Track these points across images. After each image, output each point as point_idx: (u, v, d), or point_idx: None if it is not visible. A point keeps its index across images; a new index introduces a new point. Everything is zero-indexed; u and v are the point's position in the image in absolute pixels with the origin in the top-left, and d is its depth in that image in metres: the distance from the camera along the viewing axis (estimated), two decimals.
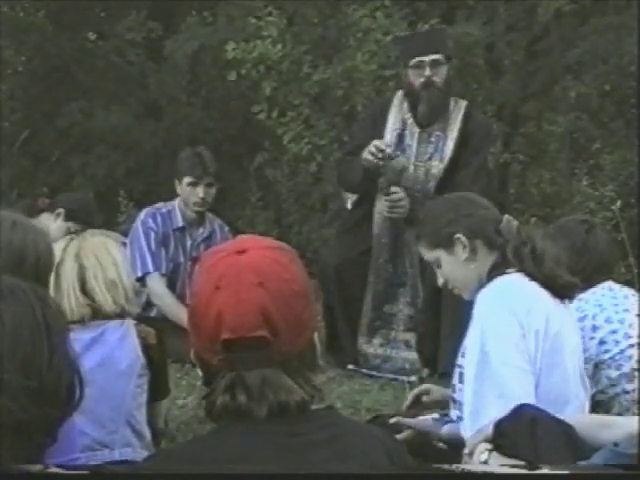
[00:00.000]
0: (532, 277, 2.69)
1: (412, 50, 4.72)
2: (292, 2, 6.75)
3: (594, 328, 3.14)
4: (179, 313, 4.42)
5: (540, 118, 7.31)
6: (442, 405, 3.08)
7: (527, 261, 2.70)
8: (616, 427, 2.30)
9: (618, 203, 5.17)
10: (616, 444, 2.28)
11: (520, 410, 2.25)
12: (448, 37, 5.18)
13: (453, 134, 4.68)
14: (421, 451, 2.70)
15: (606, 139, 6.92)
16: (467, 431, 2.58)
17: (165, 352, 3.09)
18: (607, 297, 3.23)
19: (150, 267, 4.76)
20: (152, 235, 4.81)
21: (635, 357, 3.09)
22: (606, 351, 3.12)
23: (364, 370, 4.70)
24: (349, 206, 4.86)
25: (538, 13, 6.47)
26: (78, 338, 2.83)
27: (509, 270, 2.73)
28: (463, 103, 4.78)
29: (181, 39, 7.06)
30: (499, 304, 2.65)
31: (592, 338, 3.12)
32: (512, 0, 6.74)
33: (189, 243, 4.90)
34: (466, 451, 2.26)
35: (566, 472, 1.77)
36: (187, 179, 4.78)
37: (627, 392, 3.09)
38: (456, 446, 2.65)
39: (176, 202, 4.90)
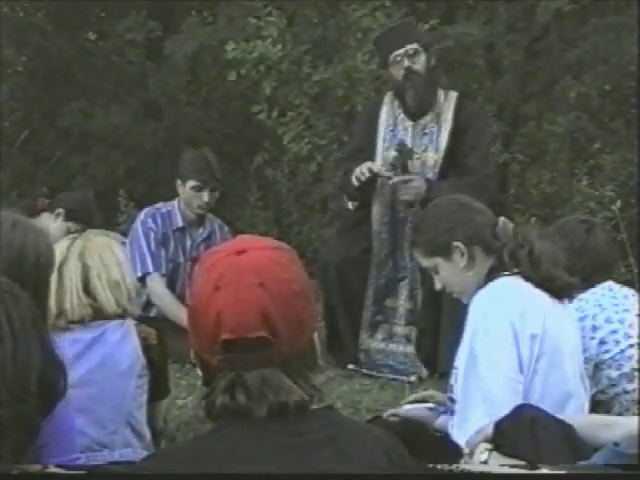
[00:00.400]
0: (529, 279, 2.70)
1: (387, 47, 4.77)
2: (292, 2, 6.74)
3: (594, 328, 3.14)
4: (179, 313, 4.42)
5: (540, 118, 7.30)
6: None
7: (524, 263, 2.71)
8: (616, 427, 2.31)
9: (618, 203, 5.17)
10: (616, 444, 2.29)
11: (520, 410, 2.25)
12: (417, 28, 5.22)
13: (447, 124, 4.70)
14: (417, 443, 2.70)
15: (606, 139, 6.92)
16: (455, 429, 2.60)
17: (165, 352, 3.10)
18: (607, 297, 3.23)
19: (150, 267, 4.75)
20: (152, 235, 4.80)
21: (635, 357, 3.09)
22: (606, 351, 3.12)
23: (364, 370, 4.70)
24: (350, 206, 4.87)
25: (538, 13, 6.46)
26: (79, 338, 2.85)
27: (506, 272, 2.73)
28: (454, 94, 4.80)
29: (181, 39, 7.05)
30: (492, 308, 2.65)
31: (592, 338, 3.12)
32: (512, 0, 6.73)
33: (189, 243, 4.90)
34: (466, 451, 2.26)
35: (566, 472, 1.78)
36: (192, 182, 4.76)
37: (627, 392, 3.09)
38: (450, 436, 2.68)
39: (176, 202, 4.89)
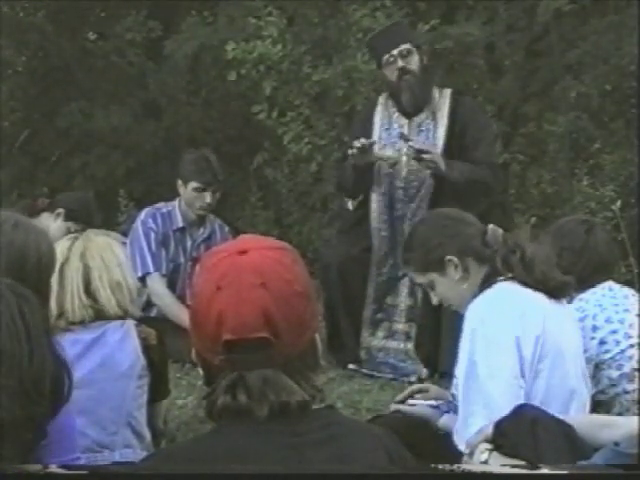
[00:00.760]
0: (524, 282, 2.71)
1: (380, 49, 4.79)
2: (292, 2, 6.74)
3: (594, 328, 3.14)
4: (180, 313, 4.42)
5: (540, 118, 7.29)
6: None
7: (517, 268, 2.72)
8: (616, 427, 2.31)
9: (618, 203, 5.17)
10: (616, 444, 2.29)
11: (520, 410, 2.25)
12: (408, 27, 5.28)
13: (443, 120, 4.71)
14: (419, 441, 2.70)
15: (606, 139, 6.91)
16: (458, 435, 2.60)
17: (166, 353, 3.09)
18: (607, 297, 3.23)
19: (150, 267, 4.76)
20: (152, 235, 4.81)
21: (635, 357, 3.09)
22: (606, 351, 3.12)
23: (364, 370, 4.71)
24: (350, 207, 4.88)
25: (538, 13, 6.46)
26: (79, 339, 2.85)
27: (501, 278, 2.74)
28: (448, 91, 4.82)
29: (181, 39, 7.05)
30: (489, 314, 2.66)
31: (592, 338, 3.12)
32: (512, 0, 6.73)
33: (189, 243, 4.90)
34: (466, 451, 2.26)
35: (566, 472, 1.78)
36: (194, 184, 4.76)
37: (627, 392, 3.09)
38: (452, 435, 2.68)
39: (176, 202, 4.90)
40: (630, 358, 3.10)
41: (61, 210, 4.79)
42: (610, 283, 3.29)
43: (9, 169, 7.48)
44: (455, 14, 6.85)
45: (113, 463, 2.77)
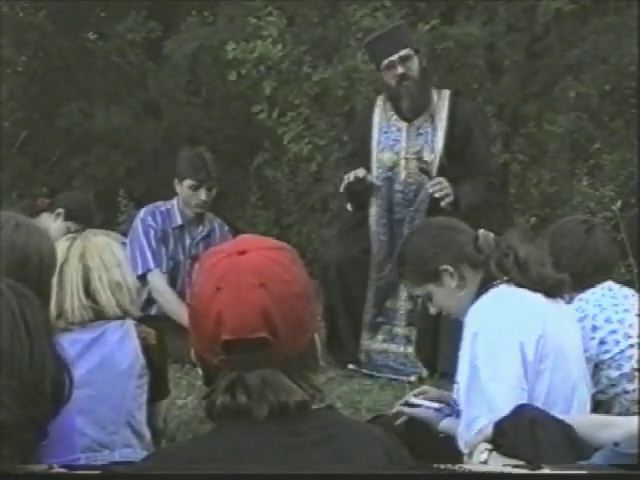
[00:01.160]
0: (520, 284, 2.71)
1: (380, 53, 4.76)
2: (292, 2, 6.74)
3: (594, 328, 3.14)
4: (180, 311, 4.42)
5: (540, 118, 7.30)
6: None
7: (512, 270, 2.72)
8: (616, 427, 2.31)
9: (618, 203, 5.17)
10: (616, 444, 2.29)
11: (520, 410, 2.25)
12: (409, 30, 5.23)
13: (442, 123, 4.70)
14: (420, 443, 2.70)
15: (606, 139, 6.92)
16: (461, 439, 2.60)
17: (165, 353, 3.09)
18: (607, 297, 3.23)
19: (151, 264, 4.76)
20: (152, 233, 4.82)
21: (635, 357, 3.09)
22: (606, 351, 3.12)
23: (364, 370, 4.71)
24: (349, 207, 4.88)
25: (538, 13, 6.46)
26: (78, 339, 2.84)
27: (497, 282, 2.74)
28: (447, 92, 4.81)
29: (181, 39, 7.05)
30: (489, 318, 2.66)
31: (592, 338, 3.12)
32: (512, 0, 6.73)
33: (188, 242, 4.91)
34: (466, 451, 2.26)
35: (566, 472, 1.78)
36: (189, 182, 4.79)
37: (627, 392, 3.09)
38: (453, 439, 2.68)
39: (175, 201, 4.91)
40: (630, 358, 3.10)
41: (61, 210, 4.79)
42: (610, 283, 3.29)
43: (9, 169, 7.47)
44: (455, 14, 6.86)
45: (112, 463, 2.77)
